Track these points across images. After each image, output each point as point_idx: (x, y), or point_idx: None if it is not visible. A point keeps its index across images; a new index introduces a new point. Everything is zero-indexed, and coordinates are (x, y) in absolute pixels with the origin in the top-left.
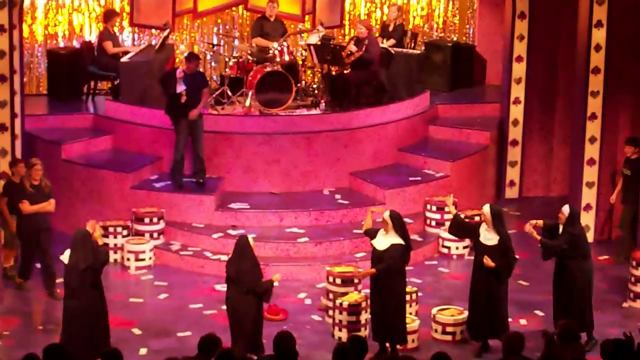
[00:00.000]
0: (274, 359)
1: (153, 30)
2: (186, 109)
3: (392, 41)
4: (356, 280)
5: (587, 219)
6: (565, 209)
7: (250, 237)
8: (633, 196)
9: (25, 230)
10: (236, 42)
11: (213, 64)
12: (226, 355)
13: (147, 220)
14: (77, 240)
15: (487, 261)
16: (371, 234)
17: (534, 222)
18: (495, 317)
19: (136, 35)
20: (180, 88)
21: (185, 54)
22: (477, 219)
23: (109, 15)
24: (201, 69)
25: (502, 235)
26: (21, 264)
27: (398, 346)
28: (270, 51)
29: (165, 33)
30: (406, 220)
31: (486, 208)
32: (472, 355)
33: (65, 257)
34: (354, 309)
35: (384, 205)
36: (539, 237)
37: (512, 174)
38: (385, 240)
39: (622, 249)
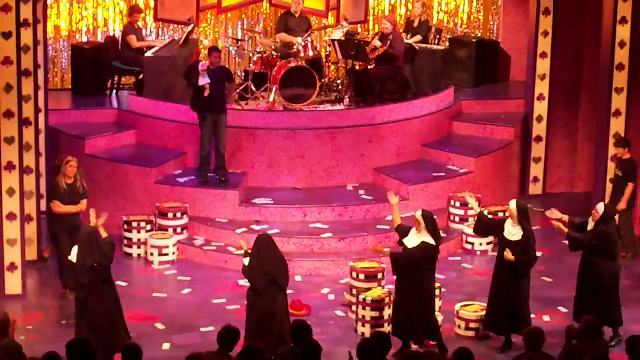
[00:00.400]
0: (296, 350)
1: (175, 26)
2: (211, 104)
3: (418, 37)
4: (380, 276)
5: None
6: (600, 207)
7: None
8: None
9: (54, 230)
10: (260, 37)
11: (237, 59)
12: (251, 350)
13: (170, 215)
14: (83, 238)
15: (508, 254)
16: (402, 232)
17: (557, 214)
18: (517, 313)
19: (160, 31)
20: (203, 81)
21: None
22: (501, 215)
23: (133, 10)
24: (226, 65)
25: (526, 231)
26: (60, 267)
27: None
28: (295, 47)
29: (190, 28)
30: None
31: (513, 204)
32: (495, 351)
33: (73, 255)
34: (378, 305)
35: (407, 200)
36: (566, 230)
37: (536, 170)
38: (416, 239)
39: (628, 247)
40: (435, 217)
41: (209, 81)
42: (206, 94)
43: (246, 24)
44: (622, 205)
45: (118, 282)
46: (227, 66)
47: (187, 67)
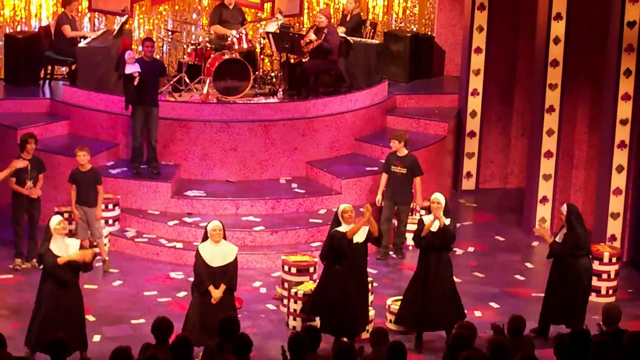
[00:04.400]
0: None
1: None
2: (142, 96)
3: (342, 29)
4: (311, 270)
5: (544, 212)
6: (564, 208)
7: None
8: None
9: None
10: (195, 29)
11: (171, 50)
12: (183, 341)
13: (102, 206)
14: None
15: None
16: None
17: (544, 225)
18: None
19: (96, 21)
20: (131, 69)
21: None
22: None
23: (68, 0)
24: (158, 56)
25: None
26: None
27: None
28: (229, 39)
29: (124, 19)
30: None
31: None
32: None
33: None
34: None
35: (340, 194)
36: (550, 239)
37: (470, 165)
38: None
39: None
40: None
41: (138, 69)
42: (135, 82)
43: (180, 15)
44: (419, 200)
45: None
46: (160, 57)
47: (117, 57)
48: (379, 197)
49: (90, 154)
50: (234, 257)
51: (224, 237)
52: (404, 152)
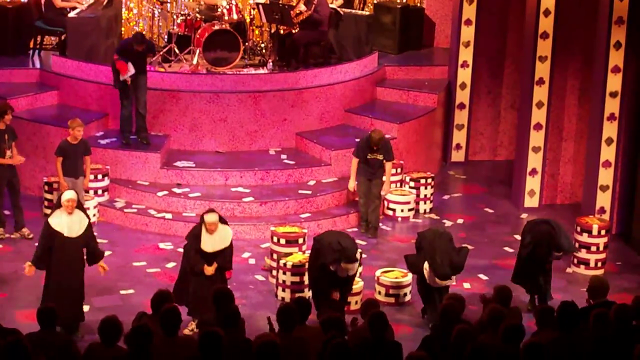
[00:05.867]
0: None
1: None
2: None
3: (339, 1)
4: (300, 241)
5: (533, 184)
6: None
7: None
8: None
9: None
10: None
11: (160, 21)
12: (172, 311)
13: (91, 177)
14: None
15: None
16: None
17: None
18: None
19: None
20: (125, 76)
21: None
22: (422, 181)
23: None
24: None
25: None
26: None
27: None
28: (219, 9)
29: None
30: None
31: None
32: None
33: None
34: (298, 270)
35: (329, 165)
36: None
37: (459, 137)
38: None
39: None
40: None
41: (132, 72)
42: (128, 82)
43: None
44: (386, 188)
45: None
46: (151, 27)
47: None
48: (352, 184)
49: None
50: (230, 241)
51: (221, 221)
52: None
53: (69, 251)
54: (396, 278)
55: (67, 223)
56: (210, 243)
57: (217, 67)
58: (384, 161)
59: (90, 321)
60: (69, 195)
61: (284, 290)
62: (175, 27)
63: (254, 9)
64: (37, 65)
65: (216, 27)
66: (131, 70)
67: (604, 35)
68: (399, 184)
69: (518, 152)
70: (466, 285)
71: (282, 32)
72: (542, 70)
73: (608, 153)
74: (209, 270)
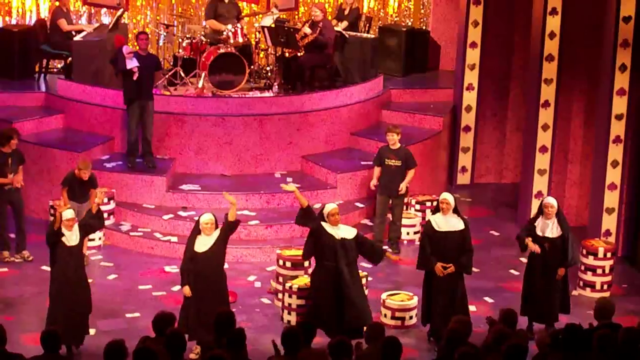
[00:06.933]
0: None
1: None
2: (138, 90)
3: (344, 23)
4: (306, 264)
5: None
6: (554, 201)
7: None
8: None
9: None
10: (190, 23)
11: (166, 44)
12: (176, 335)
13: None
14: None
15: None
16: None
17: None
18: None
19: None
20: (131, 64)
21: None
22: (428, 204)
23: None
24: (153, 51)
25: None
26: None
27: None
28: (224, 33)
29: (119, 12)
30: (357, 204)
31: (449, 196)
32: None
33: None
34: (304, 293)
35: (335, 188)
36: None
37: (465, 160)
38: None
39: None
40: (355, 203)
41: (137, 64)
42: (135, 77)
43: (175, 9)
44: (403, 186)
45: (44, 267)
46: (155, 51)
47: (113, 53)
48: (374, 182)
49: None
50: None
51: (216, 227)
52: (397, 145)
53: (71, 258)
54: (402, 301)
55: (67, 235)
56: (203, 243)
57: (222, 90)
58: (406, 170)
59: (96, 344)
60: (69, 214)
61: (289, 314)
62: (180, 51)
63: (259, 32)
64: (43, 88)
65: (221, 51)
66: (134, 61)
67: (609, 58)
68: (404, 207)
69: (524, 174)
70: (472, 308)
71: (287, 55)
72: (548, 92)
73: (614, 175)
74: (187, 291)
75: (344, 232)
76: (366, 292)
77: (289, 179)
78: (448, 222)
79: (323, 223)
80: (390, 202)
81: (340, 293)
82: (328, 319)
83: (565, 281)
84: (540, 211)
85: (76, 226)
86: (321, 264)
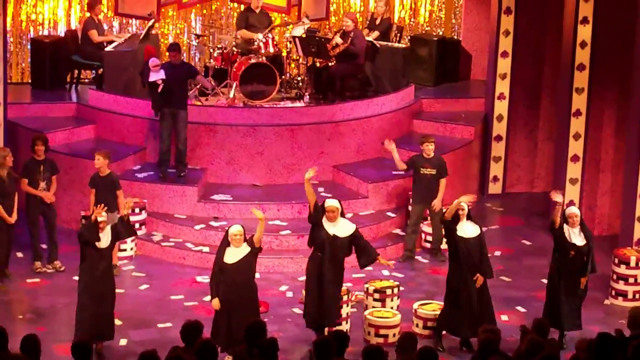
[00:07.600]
0: (253, 350)
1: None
2: (169, 99)
3: (376, 33)
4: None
5: None
6: (577, 210)
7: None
8: None
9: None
10: (221, 33)
11: (198, 54)
12: (206, 345)
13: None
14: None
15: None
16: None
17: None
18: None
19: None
20: (155, 76)
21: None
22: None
23: (93, 4)
24: (185, 60)
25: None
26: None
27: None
28: (255, 43)
29: (150, 23)
30: (389, 214)
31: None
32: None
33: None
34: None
35: (366, 197)
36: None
37: (496, 169)
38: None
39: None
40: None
41: (162, 77)
42: (159, 89)
43: (207, 19)
44: (437, 203)
45: (75, 277)
46: (187, 61)
47: (143, 64)
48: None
49: (108, 158)
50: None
51: (245, 240)
52: (432, 153)
53: (101, 260)
54: (434, 310)
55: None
56: (232, 254)
57: (253, 101)
58: (439, 179)
59: (128, 354)
60: (100, 217)
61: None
62: (212, 61)
63: (290, 42)
64: (74, 99)
65: (253, 61)
66: (160, 74)
67: (639, 66)
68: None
69: (555, 184)
70: (504, 317)
71: (318, 65)
72: (579, 102)
73: None
74: (216, 304)
75: (340, 229)
76: (397, 302)
77: (321, 189)
78: (468, 229)
79: (323, 218)
80: (427, 211)
81: (320, 286)
82: (311, 310)
83: (585, 291)
84: (565, 220)
85: (108, 229)
86: (314, 254)
